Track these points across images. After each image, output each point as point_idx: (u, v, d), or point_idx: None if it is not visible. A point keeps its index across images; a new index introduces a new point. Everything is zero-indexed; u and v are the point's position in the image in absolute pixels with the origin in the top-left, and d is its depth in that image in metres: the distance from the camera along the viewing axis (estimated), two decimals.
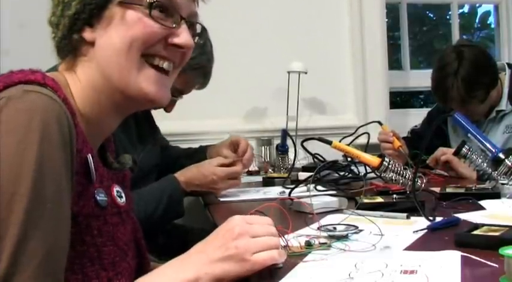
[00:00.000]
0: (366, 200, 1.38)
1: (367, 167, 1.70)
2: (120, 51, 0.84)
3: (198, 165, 1.69)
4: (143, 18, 0.84)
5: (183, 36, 0.87)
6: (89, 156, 0.82)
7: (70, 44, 0.86)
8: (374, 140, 2.17)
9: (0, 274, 0.65)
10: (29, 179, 0.69)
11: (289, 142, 2.11)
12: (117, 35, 0.84)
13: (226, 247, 0.83)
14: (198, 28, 0.95)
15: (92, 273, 0.80)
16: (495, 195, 1.44)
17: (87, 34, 0.85)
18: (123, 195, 0.92)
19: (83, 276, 0.79)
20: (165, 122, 2.00)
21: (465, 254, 0.90)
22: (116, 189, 0.90)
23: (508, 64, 2.28)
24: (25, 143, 0.70)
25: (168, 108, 1.82)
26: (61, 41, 0.87)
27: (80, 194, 0.80)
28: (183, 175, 1.65)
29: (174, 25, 0.87)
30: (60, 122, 0.74)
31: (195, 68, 1.72)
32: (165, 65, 0.88)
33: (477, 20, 4.37)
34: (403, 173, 1.37)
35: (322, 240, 1.03)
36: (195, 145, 2.10)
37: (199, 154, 1.98)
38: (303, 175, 1.93)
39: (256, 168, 2.28)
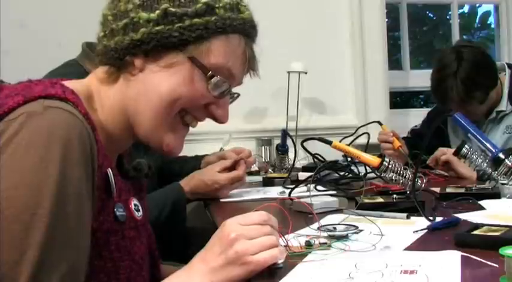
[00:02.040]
0: (366, 200, 1.38)
1: (367, 167, 1.70)
2: (164, 101, 0.84)
3: (201, 173, 1.69)
4: (201, 82, 0.84)
5: (222, 112, 0.89)
6: (109, 170, 0.81)
7: (119, 60, 0.84)
8: (374, 140, 2.17)
9: None
10: (49, 199, 0.68)
11: (289, 142, 2.11)
12: (169, 82, 0.83)
13: (225, 254, 0.82)
14: None
15: None
16: (495, 195, 1.44)
17: (139, 62, 0.83)
18: (140, 208, 0.91)
19: None
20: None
21: (465, 254, 0.90)
22: (134, 202, 0.90)
23: (508, 64, 2.28)
24: (46, 161, 0.69)
25: None
26: (110, 51, 0.84)
27: (100, 210, 0.79)
28: (187, 185, 1.65)
29: (220, 95, 0.87)
30: (81, 140, 0.73)
31: None
32: (193, 123, 0.90)
33: (477, 20, 4.38)
34: (403, 173, 1.37)
35: (322, 240, 1.03)
36: (195, 145, 2.10)
37: (193, 162, 1.98)
38: (303, 175, 1.93)
39: (256, 168, 2.28)
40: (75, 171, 0.71)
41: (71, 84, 0.83)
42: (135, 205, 0.90)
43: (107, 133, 0.86)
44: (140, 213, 0.91)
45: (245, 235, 0.83)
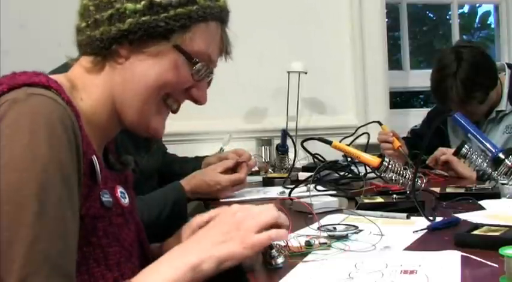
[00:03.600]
0: (366, 200, 1.38)
1: (367, 167, 1.70)
2: (150, 87, 0.87)
3: (202, 173, 1.69)
4: (185, 68, 0.88)
5: (202, 94, 0.94)
6: (94, 157, 0.82)
7: (104, 49, 0.86)
8: (374, 140, 2.17)
9: (16, 276, 0.65)
10: (38, 180, 0.69)
11: (289, 142, 2.11)
12: (155, 70, 0.87)
13: (228, 231, 0.86)
14: None
15: (97, 274, 0.81)
16: (495, 195, 1.44)
17: (124, 51, 0.86)
18: (126, 196, 0.93)
19: (89, 277, 0.79)
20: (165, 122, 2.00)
21: (465, 254, 0.90)
22: (120, 190, 0.91)
23: (508, 64, 2.28)
24: (32, 144, 0.70)
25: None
26: (96, 40, 0.86)
27: (86, 196, 0.80)
28: (188, 184, 1.65)
29: (201, 79, 0.92)
30: (64, 125, 0.74)
31: None
32: (174, 106, 0.93)
33: (477, 20, 4.38)
34: (403, 173, 1.37)
35: (322, 240, 1.03)
36: (195, 145, 2.10)
37: (194, 163, 1.98)
38: (303, 175, 1.93)
39: (256, 168, 2.28)
40: (62, 154, 0.73)
41: (54, 76, 0.85)
42: (121, 192, 0.91)
43: (92, 122, 0.87)
44: (127, 200, 0.92)
45: (250, 214, 0.89)
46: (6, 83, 0.75)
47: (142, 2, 0.84)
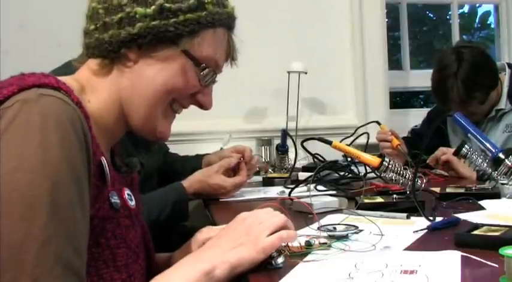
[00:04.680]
0: (366, 200, 1.38)
1: (367, 167, 1.70)
2: (158, 92, 0.88)
3: (206, 175, 1.68)
4: (193, 73, 0.89)
5: (207, 99, 0.95)
6: (103, 158, 0.82)
7: (113, 52, 0.86)
8: (374, 140, 2.17)
9: (28, 276, 0.65)
10: (49, 181, 0.69)
11: (289, 142, 2.11)
12: (163, 74, 0.87)
13: (238, 237, 0.89)
14: None
15: (106, 276, 0.81)
16: (495, 195, 1.44)
17: (133, 55, 0.87)
18: (133, 198, 0.93)
19: (98, 278, 0.80)
20: None
21: (465, 254, 0.90)
22: (127, 192, 0.91)
23: (508, 64, 2.28)
24: (44, 145, 0.70)
25: None
26: (104, 43, 0.86)
27: (95, 197, 0.80)
28: (191, 186, 1.65)
29: (207, 85, 0.93)
30: (74, 126, 0.74)
31: None
32: (179, 110, 0.94)
33: (477, 20, 4.38)
34: (403, 173, 1.37)
35: (322, 240, 1.03)
36: (195, 145, 2.10)
37: (195, 161, 1.98)
38: (303, 175, 1.93)
39: (257, 168, 2.28)
40: (73, 154, 0.73)
41: (62, 78, 0.85)
42: (128, 194, 0.91)
43: (99, 124, 0.87)
44: (133, 202, 0.92)
45: (258, 219, 0.92)
46: (16, 84, 0.75)
47: (153, 7, 0.85)
